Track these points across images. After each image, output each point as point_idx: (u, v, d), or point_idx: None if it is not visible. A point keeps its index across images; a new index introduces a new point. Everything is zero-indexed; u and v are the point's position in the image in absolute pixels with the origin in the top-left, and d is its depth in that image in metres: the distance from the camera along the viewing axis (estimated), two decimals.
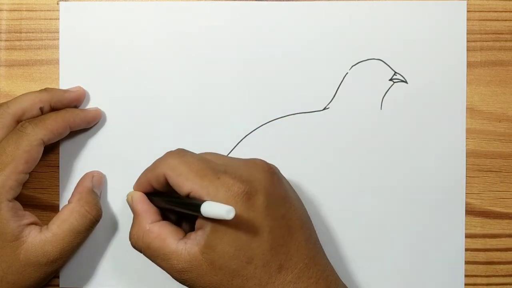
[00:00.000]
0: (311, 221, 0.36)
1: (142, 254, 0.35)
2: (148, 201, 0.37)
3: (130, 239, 0.36)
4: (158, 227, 0.35)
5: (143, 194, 0.37)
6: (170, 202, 0.35)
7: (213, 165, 0.34)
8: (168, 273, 0.34)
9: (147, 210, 0.36)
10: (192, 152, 0.36)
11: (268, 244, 0.33)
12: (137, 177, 0.37)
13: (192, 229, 0.35)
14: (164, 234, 0.34)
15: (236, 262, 0.32)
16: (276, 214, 0.33)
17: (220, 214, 0.30)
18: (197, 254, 0.33)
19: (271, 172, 0.35)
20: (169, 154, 0.36)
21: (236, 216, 0.30)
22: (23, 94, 0.39)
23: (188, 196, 0.33)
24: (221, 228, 0.32)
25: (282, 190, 0.35)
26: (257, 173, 0.34)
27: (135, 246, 0.36)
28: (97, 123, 0.41)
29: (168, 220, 0.36)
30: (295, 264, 0.33)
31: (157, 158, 0.36)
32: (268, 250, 0.33)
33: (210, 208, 0.31)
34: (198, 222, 0.34)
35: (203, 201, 0.31)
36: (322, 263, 0.35)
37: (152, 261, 0.35)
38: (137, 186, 0.37)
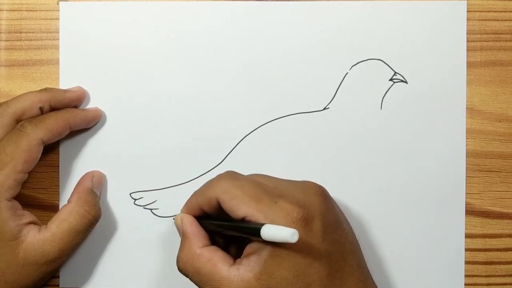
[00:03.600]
0: (359, 245, 0.36)
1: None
2: (198, 224, 0.36)
3: (178, 262, 0.35)
4: (209, 252, 0.34)
5: (193, 217, 0.36)
6: (222, 226, 0.34)
7: (267, 189, 0.34)
8: None
9: (197, 233, 0.35)
10: (243, 175, 0.35)
11: (325, 270, 0.32)
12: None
13: (238, 254, 0.34)
14: (215, 259, 0.33)
15: None
16: (331, 239, 0.33)
17: (284, 237, 0.29)
18: (252, 280, 0.32)
19: (324, 196, 0.35)
20: (221, 177, 0.35)
21: (297, 241, 0.29)
22: (23, 94, 0.39)
23: (243, 220, 0.33)
24: (279, 254, 0.32)
25: (335, 214, 0.35)
26: (311, 197, 0.34)
27: (183, 270, 0.35)
28: (97, 123, 0.41)
29: (216, 244, 0.36)
30: None
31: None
32: (325, 275, 0.32)
33: (272, 231, 0.30)
34: (251, 247, 0.33)
35: (262, 224, 0.31)
36: (372, 287, 0.35)
37: (200, 286, 0.34)
38: (187, 209, 0.37)
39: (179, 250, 0.35)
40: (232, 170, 0.36)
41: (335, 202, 0.36)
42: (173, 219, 0.39)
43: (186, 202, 0.37)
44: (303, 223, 0.32)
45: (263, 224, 0.31)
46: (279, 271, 0.32)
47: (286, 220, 0.32)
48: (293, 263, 0.32)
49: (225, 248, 0.37)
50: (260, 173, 0.36)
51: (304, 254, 0.32)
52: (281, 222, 0.31)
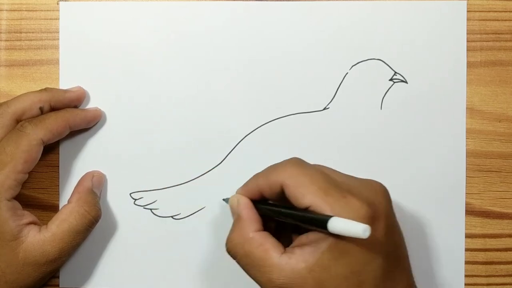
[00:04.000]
0: (407, 251, 0.36)
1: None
2: (254, 208, 0.35)
3: (228, 243, 0.34)
4: (261, 237, 0.33)
5: (249, 200, 0.36)
6: (281, 212, 0.34)
7: (335, 182, 0.33)
8: (262, 286, 0.33)
9: (252, 217, 0.35)
10: (310, 164, 0.35)
11: (381, 270, 0.32)
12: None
13: (284, 243, 0.34)
14: (267, 245, 0.33)
15: (346, 285, 0.31)
16: (391, 241, 0.33)
17: (355, 232, 0.29)
18: (303, 271, 0.31)
19: (389, 197, 0.34)
20: (288, 162, 0.34)
21: (359, 238, 0.29)
22: (23, 94, 0.39)
23: (305, 209, 0.32)
24: (339, 248, 0.31)
25: (395, 217, 0.35)
26: (378, 196, 0.33)
27: (232, 251, 0.34)
28: (97, 123, 0.41)
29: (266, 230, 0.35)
30: None
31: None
32: (380, 275, 0.32)
33: (342, 225, 0.29)
34: (306, 238, 0.33)
35: (329, 216, 0.30)
36: None
37: (246, 270, 0.33)
38: (244, 191, 0.36)
39: (231, 231, 0.35)
40: (298, 157, 0.35)
41: None
42: (224, 200, 0.40)
43: (245, 184, 0.36)
44: (370, 221, 0.31)
45: (330, 216, 0.30)
46: (335, 266, 0.31)
47: (353, 217, 0.31)
48: (352, 259, 0.31)
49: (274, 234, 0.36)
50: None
51: (365, 252, 0.31)
52: (348, 217, 0.31)
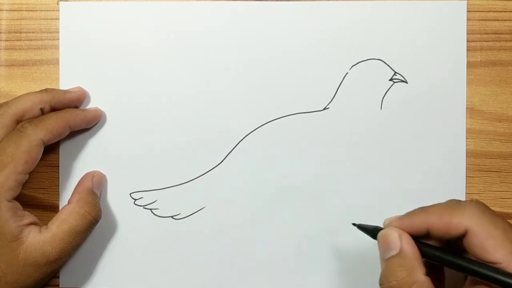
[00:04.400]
0: None
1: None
2: (417, 248, 0.31)
3: (389, 282, 0.31)
4: (430, 284, 0.30)
5: (410, 236, 0.32)
6: (455, 263, 0.30)
7: None
8: None
9: (419, 258, 0.31)
10: (495, 212, 0.31)
11: None
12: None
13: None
14: None
15: None
16: None
17: None
18: None
19: None
20: (474, 205, 0.31)
21: None
22: (23, 94, 0.39)
23: (489, 264, 0.29)
24: None
25: None
26: None
27: None
28: (97, 123, 0.41)
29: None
30: None
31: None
32: None
33: None
34: None
35: None
36: None
37: None
38: (406, 225, 0.32)
39: (392, 268, 0.31)
40: (483, 202, 0.32)
41: None
42: (356, 225, 0.35)
43: (407, 216, 0.33)
44: None
45: None
46: None
47: None
48: None
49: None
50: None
51: None
52: None
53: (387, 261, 0.31)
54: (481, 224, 0.30)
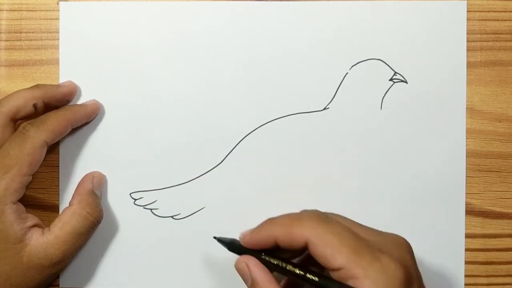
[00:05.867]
0: None
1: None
2: (267, 269, 0.32)
3: None
4: None
5: (258, 261, 0.33)
6: (305, 279, 0.31)
7: (365, 242, 0.31)
8: None
9: (270, 281, 0.32)
10: (332, 217, 0.33)
11: None
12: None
13: None
14: None
15: None
16: None
17: None
18: None
19: (413, 253, 0.33)
20: (310, 218, 0.32)
21: None
22: (14, 92, 0.38)
23: (335, 270, 0.30)
24: None
25: (420, 275, 0.33)
26: (406, 255, 0.32)
27: None
28: (96, 115, 0.41)
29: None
30: None
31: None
32: None
33: None
34: None
35: None
36: None
37: None
38: (253, 240, 0.33)
39: None
40: (318, 210, 0.33)
41: None
42: (217, 239, 0.36)
43: (256, 230, 0.33)
44: (406, 285, 0.30)
45: None
46: None
47: (390, 282, 0.29)
48: None
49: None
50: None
51: None
52: (385, 283, 0.29)
53: None
54: (318, 234, 0.31)
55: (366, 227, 0.34)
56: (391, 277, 0.29)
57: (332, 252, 0.30)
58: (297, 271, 0.32)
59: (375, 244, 0.31)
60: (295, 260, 0.34)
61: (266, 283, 0.32)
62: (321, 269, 0.32)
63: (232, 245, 0.34)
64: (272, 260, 0.33)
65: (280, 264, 0.32)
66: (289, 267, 0.32)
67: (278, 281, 0.33)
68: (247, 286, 0.33)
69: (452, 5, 0.42)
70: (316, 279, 0.31)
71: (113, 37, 0.42)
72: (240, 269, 0.33)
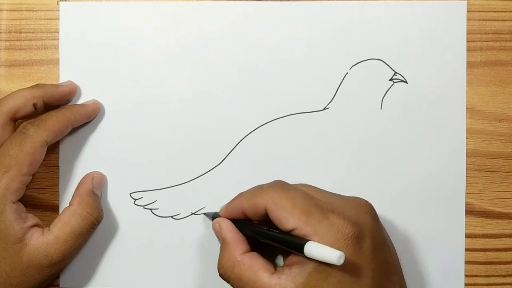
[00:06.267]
0: (400, 265, 0.36)
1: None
2: (237, 230, 0.36)
3: (219, 269, 0.35)
4: (249, 259, 0.34)
5: (231, 222, 0.36)
6: (263, 234, 0.34)
7: (319, 203, 0.33)
8: None
9: (238, 239, 0.35)
10: (293, 185, 0.35)
11: (370, 287, 0.32)
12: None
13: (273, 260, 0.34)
14: (256, 266, 0.33)
15: None
16: (379, 259, 0.33)
17: (329, 258, 0.29)
18: None
19: (374, 215, 0.35)
20: (271, 186, 0.35)
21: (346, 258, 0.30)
22: (14, 92, 0.38)
23: (290, 232, 0.32)
24: (325, 269, 0.31)
25: (383, 233, 0.35)
26: (363, 214, 0.34)
27: (224, 276, 0.35)
28: (96, 115, 0.41)
29: (255, 248, 0.35)
30: None
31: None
32: None
33: (316, 250, 0.30)
34: (294, 258, 0.33)
35: (306, 240, 0.31)
36: None
37: None
38: (227, 212, 0.37)
39: (220, 256, 0.35)
40: (281, 179, 0.36)
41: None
42: (204, 214, 0.41)
43: (228, 204, 0.37)
44: (354, 240, 0.31)
45: (306, 240, 0.31)
46: (322, 286, 0.31)
47: (337, 237, 0.31)
48: (339, 279, 0.31)
49: (263, 252, 0.36)
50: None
51: (352, 271, 0.31)
52: (331, 238, 0.31)
53: (220, 249, 0.36)
54: (273, 200, 0.33)
55: (329, 193, 0.36)
56: (338, 233, 0.31)
57: (285, 214, 0.33)
58: (263, 228, 0.34)
59: (328, 205, 0.33)
60: None
61: (233, 243, 0.35)
62: None
63: (214, 217, 0.38)
64: (245, 227, 0.36)
65: (249, 225, 0.36)
66: (256, 228, 0.35)
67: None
68: (220, 243, 0.36)
69: (452, 5, 0.42)
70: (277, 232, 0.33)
71: (113, 37, 0.42)
72: (214, 228, 0.37)
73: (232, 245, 0.35)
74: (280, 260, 0.38)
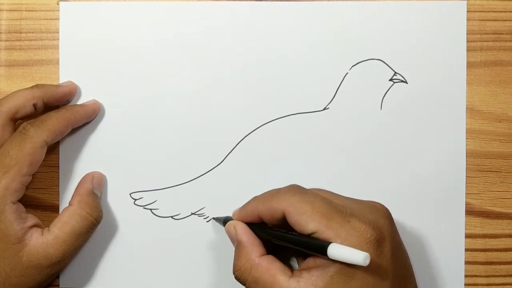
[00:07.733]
0: (412, 268, 0.36)
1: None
2: (252, 232, 0.36)
3: (235, 271, 0.35)
4: (267, 261, 0.34)
5: (246, 225, 0.36)
6: (282, 237, 0.34)
7: (338, 207, 0.33)
8: None
9: (254, 242, 0.35)
10: (310, 189, 0.35)
11: None
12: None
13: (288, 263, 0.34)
14: (274, 270, 0.33)
15: None
16: (397, 262, 0.33)
17: (356, 259, 0.29)
18: None
19: (391, 219, 0.35)
20: (288, 190, 0.35)
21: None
22: (14, 92, 0.38)
23: (310, 235, 0.32)
24: (348, 272, 0.31)
25: (399, 237, 0.35)
26: (381, 218, 0.34)
27: (240, 278, 0.34)
28: (96, 115, 0.41)
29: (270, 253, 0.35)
30: None
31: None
32: None
33: (341, 251, 0.30)
34: (314, 261, 0.33)
35: (329, 243, 0.31)
36: None
37: None
38: (242, 215, 0.37)
39: (236, 258, 0.35)
40: (297, 184, 0.36)
41: None
42: (214, 219, 0.41)
43: (242, 207, 0.37)
44: (376, 244, 0.32)
45: (330, 242, 0.30)
46: None
47: (359, 240, 0.31)
48: (362, 282, 0.31)
49: (275, 256, 0.36)
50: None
51: (374, 275, 0.31)
52: (353, 241, 0.31)
53: (234, 252, 0.35)
54: (292, 204, 0.33)
55: (345, 197, 0.36)
56: (360, 237, 0.31)
57: (305, 218, 0.32)
58: (281, 231, 0.34)
59: (348, 209, 0.33)
60: None
61: (250, 245, 0.35)
62: None
63: (225, 222, 0.38)
64: (261, 230, 0.35)
65: (265, 228, 0.35)
66: (274, 231, 0.35)
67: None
68: (234, 247, 0.36)
69: (452, 5, 0.42)
70: (296, 235, 0.33)
71: (113, 37, 0.42)
72: (228, 231, 0.37)
73: (249, 247, 0.35)
74: (294, 263, 0.38)
